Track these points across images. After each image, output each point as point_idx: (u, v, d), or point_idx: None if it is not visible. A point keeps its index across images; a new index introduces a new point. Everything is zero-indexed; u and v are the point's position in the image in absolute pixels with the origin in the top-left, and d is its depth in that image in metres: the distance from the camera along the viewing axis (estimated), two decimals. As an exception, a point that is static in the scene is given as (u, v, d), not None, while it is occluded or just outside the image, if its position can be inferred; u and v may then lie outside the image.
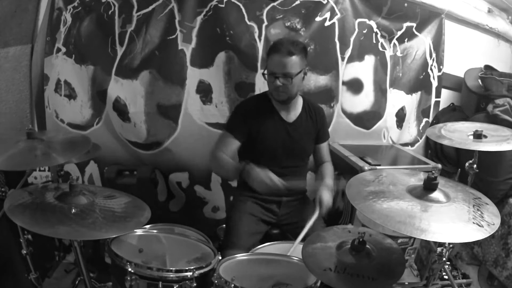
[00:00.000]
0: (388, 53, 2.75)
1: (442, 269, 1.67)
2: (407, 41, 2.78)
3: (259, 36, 2.47)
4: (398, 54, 2.78)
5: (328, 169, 2.07)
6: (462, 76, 2.97)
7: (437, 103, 3.01)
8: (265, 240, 1.88)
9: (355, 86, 2.71)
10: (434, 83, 2.95)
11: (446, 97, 3.05)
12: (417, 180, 1.41)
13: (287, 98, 1.89)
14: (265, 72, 1.84)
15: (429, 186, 1.30)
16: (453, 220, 1.19)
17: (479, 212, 1.24)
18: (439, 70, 2.93)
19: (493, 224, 1.20)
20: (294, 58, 1.78)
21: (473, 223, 1.18)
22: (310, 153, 2.09)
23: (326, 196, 1.85)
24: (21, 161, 1.49)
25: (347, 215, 2.29)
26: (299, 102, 2.00)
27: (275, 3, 2.47)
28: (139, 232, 1.62)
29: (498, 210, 1.33)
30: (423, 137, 3.00)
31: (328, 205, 1.84)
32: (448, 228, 1.16)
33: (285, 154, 1.95)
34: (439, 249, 1.56)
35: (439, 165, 2.30)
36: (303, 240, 1.67)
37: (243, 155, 2.03)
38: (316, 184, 1.96)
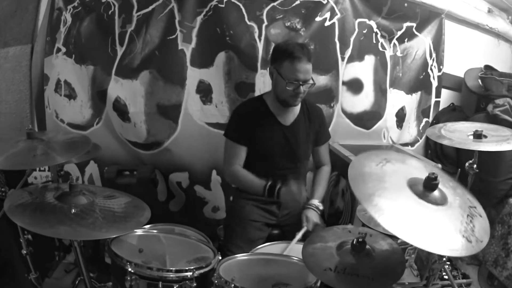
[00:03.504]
0: (388, 53, 2.75)
1: (442, 269, 1.67)
2: (407, 41, 2.78)
3: (259, 36, 2.47)
4: (398, 54, 2.78)
5: (323, 177, 2.07)
6: (462, 76, 2.97)
7: (437, 103, 3.01)
8: (265, 240, 1.89)
9: (355, 86, 2.71)
10: (434, 83, 2.95)
11: (446, 97, 3.05)
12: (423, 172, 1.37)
13: (300, 101, 1.92)
14: (282, 78, 1.80)
15: (429, 186, 1.29)
16: (445, 228, 1.15)
17: (471, 225, 1.20)
18: (439, 70, 2.93)
19: (481, 242, 1.15)
20: (311, 64, 1.82)
21: (463, 236, 1.13)
22: (309, 155, 2.08)
23: (312, 215, 1.89)
24: (21, 161, 1.49)
25: (347, 215, 2.29)
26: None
27: (275, 3, 2.48)
28: (139, 232, 1.62)
29: (497, 211, 1.30)
30: (423, 137, 3.00)
31: (313, 222, 1.87)
32: (438, 237, 1.12)
33: (283, 157, 1.95)
34: (439, 249, 1.56)
35: (439, 165, 2.30)
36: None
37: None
38: (304, 197, 2.00)
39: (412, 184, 1.26)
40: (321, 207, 1.95)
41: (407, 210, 1.17)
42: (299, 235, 1.79)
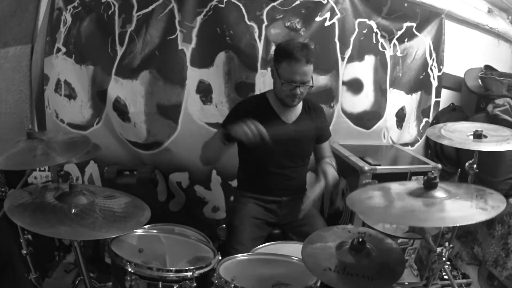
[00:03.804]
0: (388, 53, 2.75)
1: (442, 269, 1.67)
2: (407, 41, 2.78)
3: (259, 36, 2.47)
4: (398, 54, 2.78)
5: (329, 161, 2.04)
6: (462, 76, 2.97)
7: (437, 103, 3.01)
8: (265, 240, 1.89)
9: (355, 86, 2.71)
10: (434, 83, 2.95)
11: (446, 97, 3.05)
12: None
13: (299, 103, 1.90)
14: (280, 77, 1.81)
15: (429, 185, 1.30)
16: (457, 209, 1.21)
17: (482, 200, 1.23)
18: (439, 70, 2.93)
19: (498, 207, 1.18)
20: (312, 65, 1.79)
21: (476, 208, 1.18)
22: (310, 153, 2.08)
23: (330, 169, 1.84)
24: (21, 161, 1.49)
25: (347, 215, 2.29)
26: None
27: (275, 3, 2.48)
28: (139, 232, 1.62)
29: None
30: (423, 137, 3.00)
31: (334, 176, 1.82)
32: (451, 214, 1.18)
33: (284, 155, 1.95)
34: (439, 249, 1.56)
35: (439, 165, 2.30)
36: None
37: (243, 155, 2.03)
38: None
39: (411, 193, 1.29)
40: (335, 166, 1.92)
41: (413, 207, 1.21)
42: (317, 191, 1.76)
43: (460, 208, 1.21)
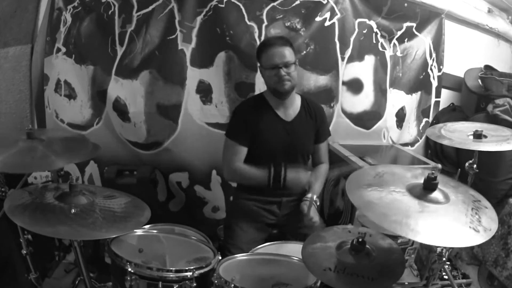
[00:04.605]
0: (388, 53, 2.75)
1: (442, 269, 1.67)
2: (407, 41, 2.78)
3: (259, 36, 2.47)
4: (398, 54, 2.78)
5: (321, 174, 2.07)
6: (462, 76, 2.97)
7: (437, 103, 3.01)
8: (265, 240, 1.89)
9: (355, 86, 2.71)
10: (434, 83, 2.95)
11: (446, 97, 3.05)
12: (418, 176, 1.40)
13: (291, 87, 1.89)
14: (264, 68, 1.86)
15: (429, 186, 1.29)
16: (450, 223, 1.17)
17: (476, 216, 1.21)
18: (439, 70, 2.93)
19: (490, 230, 1.17)
20: (289, 48, 1.85)
21: (470, 227, 1.16)
22: (309, 152, 2.07)
23: (312, 211, 1.90)
24: (20, 163, 1.48)
25: (347, 215, 2.29)
26: (297, 101, 1.98)
27: (275, 3, 2.48)
28: (139, 232, 1.62)
29: (497, 211, 1.31)
30: (423, 137, 3.00)
31: (309, 217, 1.88)
32: (444, 231, 1.15)
33: (284, 153, 1.94)
34: (439, 249, 1.56)
35: (439, 165, 2.30)
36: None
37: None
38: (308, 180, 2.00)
39: (410, 188, 1.27)
40: (318, 202, 1.95)
41: (409, 212, 1.19)
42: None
43: (453, 219, 1.19)
